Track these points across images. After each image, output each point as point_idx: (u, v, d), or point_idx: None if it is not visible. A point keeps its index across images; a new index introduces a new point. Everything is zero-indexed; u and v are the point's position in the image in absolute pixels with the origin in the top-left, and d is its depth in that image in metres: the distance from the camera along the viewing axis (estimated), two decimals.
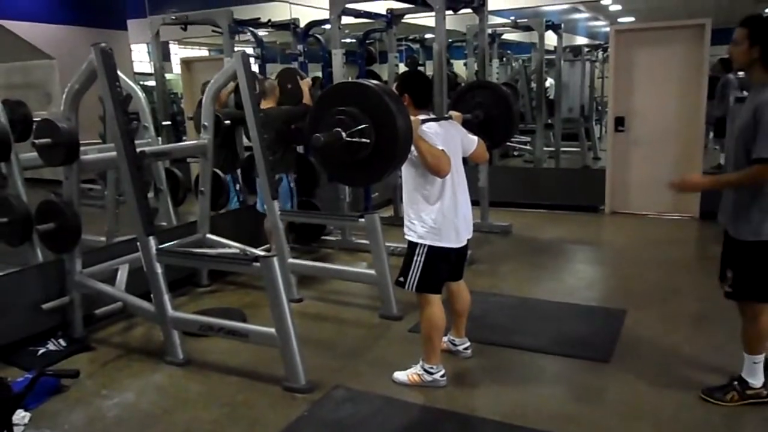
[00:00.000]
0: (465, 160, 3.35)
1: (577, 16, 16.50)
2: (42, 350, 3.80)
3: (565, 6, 10.97)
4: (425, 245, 3.13)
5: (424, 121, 3.05)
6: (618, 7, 15.33)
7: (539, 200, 7.39)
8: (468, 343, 3.62)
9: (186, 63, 8.97)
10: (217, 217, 5.19)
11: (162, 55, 7.07)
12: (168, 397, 3.31)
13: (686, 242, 6.02)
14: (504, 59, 10.70)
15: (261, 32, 7.16)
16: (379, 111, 2.53)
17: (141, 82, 7.38)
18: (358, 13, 5.94)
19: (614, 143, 7.01)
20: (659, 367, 3.42)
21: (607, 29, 8.82)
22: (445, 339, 3.60)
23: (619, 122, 6.91)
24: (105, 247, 4.81)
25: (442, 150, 3.00)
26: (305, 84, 5.44)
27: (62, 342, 3.90)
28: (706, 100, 6.49)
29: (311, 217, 5.41)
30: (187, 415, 3.12)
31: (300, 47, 6.39)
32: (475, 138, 3.37)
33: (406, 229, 3.19)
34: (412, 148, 2.86)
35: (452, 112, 3.48)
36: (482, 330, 3.94)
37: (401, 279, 3.22)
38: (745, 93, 6.29)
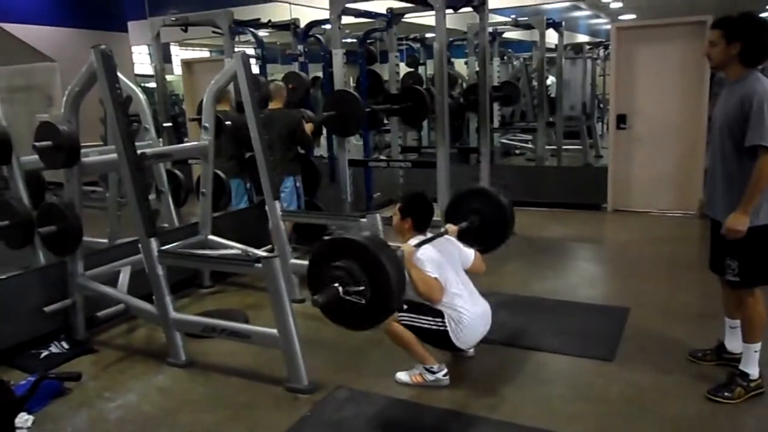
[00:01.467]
0: None
1: (577, 13, 16.51)
2: (44, 353, 3.80)
3: (566, 4, 10.98)
4: (445, 327, 3.20)
5: (419, 245, 3.16)
6: (619, 5, 15.32)
7: (541, 198, 7.38)
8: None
9: (187, 64, 8.98)
10: (219, 218, 5.18)
11: (163, 57, 7.07)
12: (171, 399, 3.31)
13: (689, 240, 6.00)
14: (505, 58, 10.69)
15: (261, 33, 7.16)
16: (374, 268, 2.63)
17: (142, 84, 7.39)
18: (358, 13, 5.93)
19: (616, 141, 7.00)
20: (663, 364, 3.41)
21: (608, 27, 8.82)
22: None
23: (621, 120, 6.90)
24: (107, 250, 4.81)
25: (436, 278, 3.12)
26: (309, 127, 5.47)
27: (65, 344, 3.90)
28: (707, 96, 6.47)
29: (313, 217, 5.40)
30: (190, 417, 3.12)
31: (300, 47, 6.39)
32: (471, 251, 3.49)
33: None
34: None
35: (448, 226, 3.58)
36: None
37: (405, 307, 3.23)
38: None
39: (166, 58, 9.83)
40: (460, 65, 10.05)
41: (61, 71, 6.83)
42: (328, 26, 5.73)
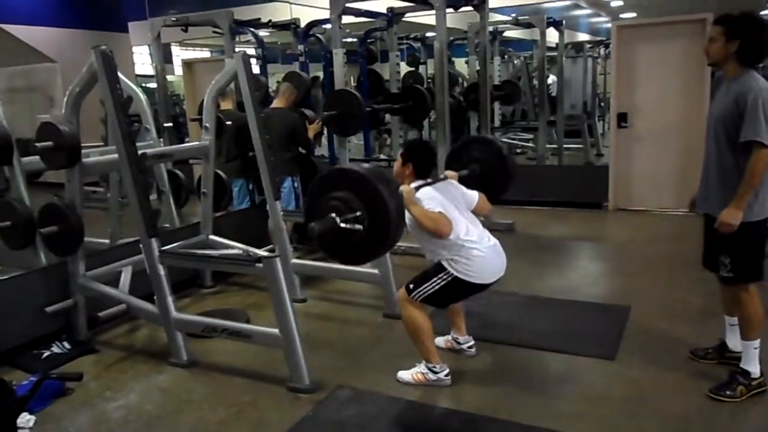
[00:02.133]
0: None
1: (578, 12, 16.51)
2: (46, 353, 3.80)
3: (567, 2, 10.98)
4: (452, 274, 3.14)
5: (417, 188, 3.15)
6: (619, 3, 15.32)
7: (542, 197, 7.38)
8: (472, 341, 3.61)
9: (187, 64, 8.99)
10: (220, 218, 5.19)
11: (163, 57, 7.07)
12: (172, 399, 3.32)
13: (690, 238, 5.94)
14: (505, 57, 10.70)
15: (262, 33, 7.17)
16: (372, 196, 2.63)
17: (142, 84, 7.40)
18: (358, 13, 5.94)
19: (617, 139, 6.99)
20: (665, 363, 3.41)
21: (609, 25, 8.81)
22: (448, 338, 3.62)
23: (622, 118, 6.89)
24: (108, 250, 4.82)
25: (440, 212, 3.07)
26: (313, 129, 5.46)
27: (66, 345, 3.90)
28: (709, 95, 6.46)
29: None
30: (192, 417, 3.12)
31: (301, 47, 6.40)
32: (475, 192, 3.45)
33: (439, 256, 3.18)
34: (409, 215, 3.00)
35: (447, 172, 3.57)
36: (486, 328, 3.93)
37: (411, 286, 3.21)
38: None
39: (167, 58, 9.82)
40: (460, 64, 10.05)
41: (61, 72, 6.85)
42: (328, 26, 5.74)
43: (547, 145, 8.83)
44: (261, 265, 3.32)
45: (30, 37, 7.55)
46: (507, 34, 10.26)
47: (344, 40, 5.61)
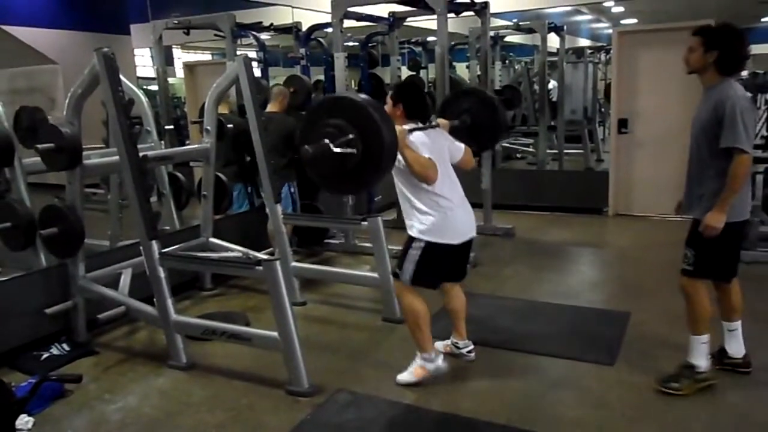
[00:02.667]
0: None
1: (579, 18, 16.53)
2: (45, 355, 3.80)
3: (568, 8, 10.99)
4: (423, 240, 3.19)
5: (410, 131, 3.14)
6: (620, 9, 15.32)
7: (542, 202, 7.38)
8: (471, 346, 3.61)
9: (189, 67, 8.99)
10: (221, 220, 5.19)
11: (165, 60, 7.08)
12: (171, 402, 3.31)
13: None
14: (506, 62, 10.71)
15: (263, 36, 7.16)
16: (365, 122, 2.65)
17: (144, 87, 7.40)
18: (360, 17, 5.95)
19: (617, 145, 7.00)
20: (664, 369, 3.39)
21: (610, 31, 8.82)
22: (447, 342, 3.63)
23: (623, 124, 6.90)
24: (108, 252, 4.82)
25: (429, 158, 3.08)
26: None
27: (65, 346, 3.90)
28: None
29: (314, 220, 5.40)
30: (190, 419, 3.12)
31: (302, 51, 6.41)
32: (462, 145, 3.46)
33: (408, 228, 3.26)
34: (399, 156, 2.98)
35: (439, 120, 3.55)
36: (485, 333, 3.93)
37: (397, 270, 3.29)
38: (749, 94, 6.31)
39: (168, 60, 9.81)
40: (461, 69, 10.05)
41: (63, 74, 6.85)
42: (329, 30, 5.74)
43: (548, 150, 8.84)
44: (261, 268, 3.32)
45: (32, 39, 7.54)
46: (508, 39, 10.28)
47: (345, 43, 5.62)
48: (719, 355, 3.35)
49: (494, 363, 3.57)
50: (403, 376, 3.34)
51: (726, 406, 3.03)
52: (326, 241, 5.93)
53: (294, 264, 4.64)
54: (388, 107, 3.31)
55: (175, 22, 6.33)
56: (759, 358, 3.49)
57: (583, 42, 17.06)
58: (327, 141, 2.64)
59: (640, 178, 6.91)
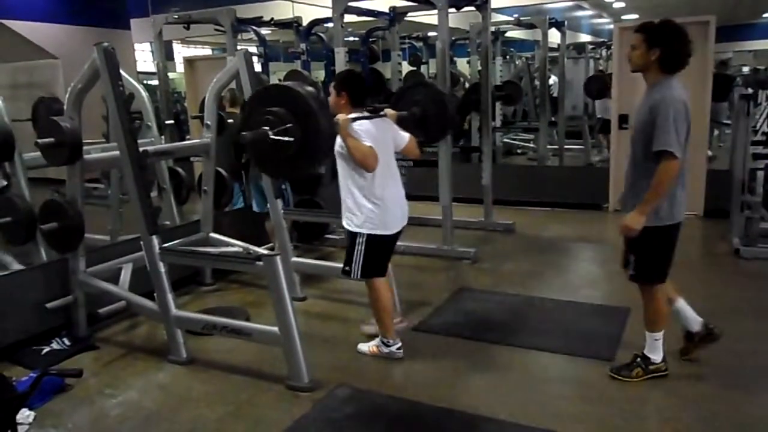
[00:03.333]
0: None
1: (580, 13, 16.48)
2: (46, 349, 3.81)
3: (569, 3, 10.96)
4: (364, 234, 3.42)
5: (355, 119, 3.30)
6: (621, 5, 15.29)
7: (542, 198, 7.38)
8: (398, 318, 3.86)
9: (189, 62, 8.98)
10: (221, 216, 5.19)
11: (165, 54, 7.07)
12: (172, 396, 3.32)
13: (690, 240, 5.99)
14: (507, 57, 10.69)
15: (264, 31, 7.16)
16: (303, 112, 2.81)
17: (144, 81, 7.40)
18: (360, 12, 5.93)
19: (618, 141, 6.98)
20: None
21: (611, 26, 8.79)
22: (374, 344, 3.71)
23: (623, 120, 6.89)
24: (108, 246, 4.82)
25: (370, 146, 3.26)
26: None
27: (66, 341, 3.91)
28: (710, 97, 6.46)
29: (314, 215, 5.40)
30: (190, 414, 3.12)
31: (303, 46, 6.40)
32: (407, 135, 3.63)
33: (344, 220, 3.48)
34: (342, 143, 3.24)
35: (387, 110, 3.66)
36: (486, 329, 3.94)
37: (347, 268, 3.50)
38: (750, 90, 6.31)
39: (169, 55, 9.80)
40: (462, 64, 10.05)
41: (63, 68, 6.85)
42: (330, 24, 5.73)
43: (548, 146, 8.83)
44: (261, 263, 3.32)
45: (32, 34, 7.55)
46: (509, 34, 10.26)
47: (346, 39, 5.60)
48: (689, 338, 3.40)
49: (494, 358, 3.58)
50: (362, 347, 3.68)
51: (725, 404, 3.03)
52: (326, 236, 5.93)
53: (294, 259, 4.64)
54: (332, 98, 3.47)
55: (176, 16, 6.31)
56: (762, 355, 3.50)
57: (584, 37, 17.02)
58: (266, 128, 2.80)
59: None
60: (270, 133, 2.80)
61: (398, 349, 3.58)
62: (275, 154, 2.88)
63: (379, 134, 3.38)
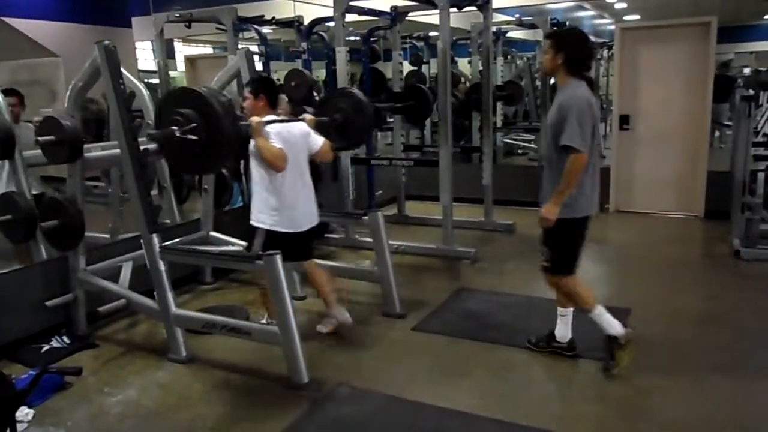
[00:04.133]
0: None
1: (582, 13, 16.43)
2: (46, 347, 3.81)
3: (570, 4, 10.92)
4: (263, 230, 3.62)
5: (268, 122, 3.51)
6: (623, 5, 15.25)
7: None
8: (346, 313, 3.95)
9: (190, 60, 8.99)
10: (221, 214, 5.19)
11: (166, 53, 7.05)
12: (171, 395, 3.32)
13: (691, 241, 6.00)
14: (508, 57, 10.67)
15: (265, 30, 7.14)
16: (208, 114, 3.03)
17: (145, 80, 7.38)
18: (362, 11, 5.92)
19: (619, 142, 6.99)
20: (663, 366, 3.41)
21: (612, 27, 8.77)
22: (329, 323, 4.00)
23: (624, 121, 6.89)
24: (109, 245, 4.82)
25: (280, 148, 3.48)
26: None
27: (66, 339, 3.91)
28: (711, 98, 6.46)
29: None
30: (190, 413, 3.12)
31: (304, 45, 6.38)
32: (321, 139, 3.82)
33: (252, 215, 3.67)
34: (253, 145, 3.46)
35: (305, 115, 3.93)
36: (486, 329, 3.93)
37: (258, 261, 3.61)
38: (751, 92, 6.30)
39: (170, 54, 9.79)
40: (463, 64, 10.03)
41: (64, 66, 6.83)
42: (331, 24, 5.72)
43: None
44: (261, 262, 3.32)
45: (33, 31, 7.53)
46: (510, 34, 10.23)
47: (347, 38, 5.60)
48: (548, 338, 3.59)
49: (494, 359, 3.58)
50: (321, 328, 3.97)
51: (726, 404, 3.03)
52: (326, 235, 5.93)
53: None
54: (249, 102, 3.64)
55: (177, 15, 6.30)
56: (762, 355, 3.51)
57: None
58: (174, 128, 3.01)
59: (642, 175, 6.90)
60: (177, 132, 3.01)
61: (341, 315, 3.88)
62: (182, 151, 3.11)
63: (291, 138, 3.60)
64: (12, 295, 3.84)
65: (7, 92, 4.74)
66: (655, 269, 5.09)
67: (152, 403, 3.25)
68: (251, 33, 7.01)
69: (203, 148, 3.07)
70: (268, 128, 3.50)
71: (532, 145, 9.77)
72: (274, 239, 3.60)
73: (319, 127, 3.89)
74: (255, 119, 3.45)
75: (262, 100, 3.61)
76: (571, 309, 3.50)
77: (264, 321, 3.89)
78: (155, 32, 6.50)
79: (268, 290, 3.58)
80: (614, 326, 3.30)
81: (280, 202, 3.59)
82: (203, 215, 4.85)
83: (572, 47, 3.18)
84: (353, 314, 4.42)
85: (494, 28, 7.41)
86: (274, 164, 3.49)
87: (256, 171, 3.60)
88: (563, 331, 3.53)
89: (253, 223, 3.66)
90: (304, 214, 3.74)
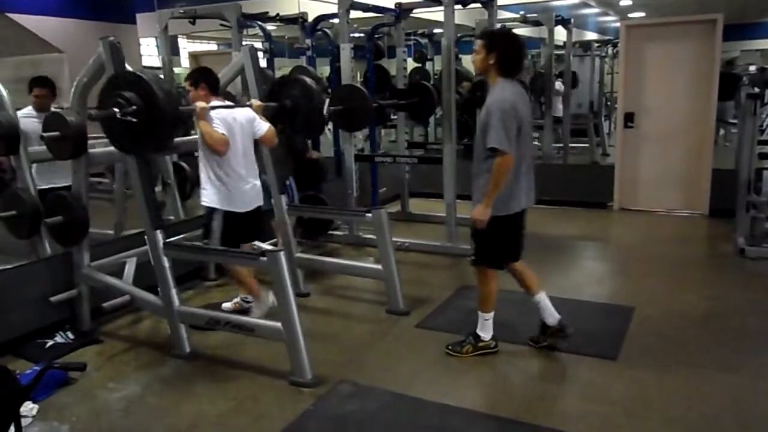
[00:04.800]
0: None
1: (586, 11, 16.40)
2: (50, 343, 3.82)
3: (575, 1, 10.90)
4: (220, 210, 3.87)
5: (214, 107, 3.72)
6: (628, 2, 15.21)
7: (547, 196, 7.30)
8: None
9: (194, 57, 9.00)
10: None
11: (170, 49, 7.07)
12: (174, 391, 3.33)
13: (695, 239, 5.98)
14: None
15: (269, 26, 7.14)
16: (148, 97, 3.15)
17: None
18: (366, 8, 5.91)
19: (623, 139, 6.97)
20: (667, 364, 3.40)
21: (617, 24, 8.77)
22: (236, 299, 4.23)
23: (629, 118, 6.86)
24: (113, 241, 4.83)
25: (222, 134, 3.70)
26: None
27: (70, 335, 3.92)
28: (716, 96, 6.43)
29: (318, 212, 5.40)
30: (193, 409, 3.13)
31: (308, 42, 6.37)
32: (266, 125, 4.05)
33: (201, 196, 3.91)
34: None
35: (253, 101, 4.16)
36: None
37: (206, 241, 3.92)
38: (757, 90, 6.28)
39: (174, 50, 9.82)
40: (467, 61, 10.02)
41: (69, 62, 6.84)
42: (336, 20, 5.71)
43: (553, 144, 8.80)
44: (265, 258, 3.32)
45: (38, 27, 7.54)
46: (515, 31, 10.20)
47: (351, 35, 5.59)
48: (542, 330, 3.62)
49: (497, 356, 3.57)
50: (227, 305, 4.20)
51: (729, 403, 3.02)
52: (330, 232, 5.93)
53: (298, 255, 4.64)
54: (192, 93, 3.81)
55: (181, 11, 6.30)
56: (766, 354, 3.50)
57: (590, 35, 16.96)
58: (115, 109, 3.14)
59: (646, 173, 6.88)
60: (118, 113, 3.13)
61: (256, 306, 4.02)
62: (123, 132, 3.24)
63: (235, 123, 3.85)
64: (17, 291, 3.84)
65: (38, 81, 4.77)
66: (659, 267, 5.08)
67: (156, 398, 3.26)
68: (255, 30, 7.01)
69: (143, 130, 3.19)
70: (213, 114, 3.72)
71: (536, 143, 9.73)
72: (230, 220, 3.89)
73: (266, 113, 4.15)
74: (200, 104, 3.67)
75: (203, 89, 3.80)
76: (543, 293, 3.59)
77: (238, 300, 4.21)
78: (159, 28, 6.51)
79: (235, 271, 4.04)
80: (488, 332, 3.54)
81: (227, 182, 3.84)
82: None
83: (504, 48, 3.22)
84: (357, 311, 4.44)
85: (499, 25, 7.37)
86: (215, 148, 3.71)
87: (203, 153, 3.83)
88: (549, 313, 3.58)
89: (205, 203, 3.89)
90: (251, 195, 4.00)
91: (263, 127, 4.04)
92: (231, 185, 3.86)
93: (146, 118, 3.17)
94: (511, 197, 3.29)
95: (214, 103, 3.80)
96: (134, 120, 3.15)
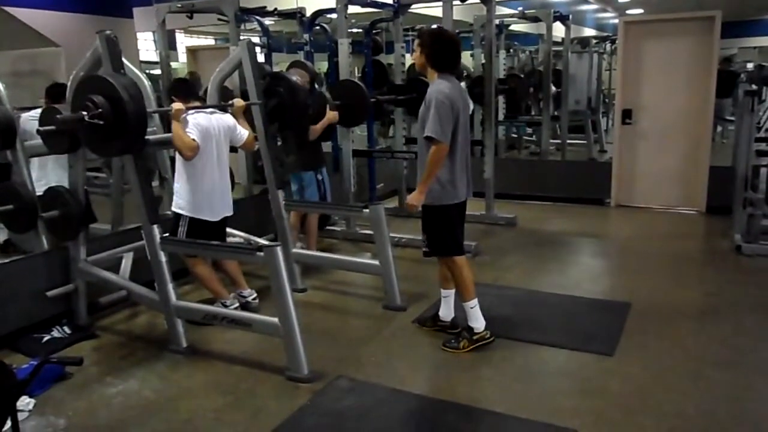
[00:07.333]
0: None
1: (585, 7, 16.42)
2: (46, 337, 3.81)
3: None
4: (186, 216, 3.88)
5: (190, 108, 3.78)
6: None
7: (545, 192, 7.37)
8: (255, 294, 4.26)
9: (192, 51, 8.96)
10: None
11: (168, 44, 7.03)
12: (171, 386, 3.33)
13: (692, 236, 5.99)
14: (511, 50, 10.65)
15: (267, 21, 7.13)
16: (116, 100, 3.17)
17: (146, 71, 7.37)
18: (364, 3, 5.90)
19: (621, 136, 6.97)
20: (663, 360, 3.41)
21: (616, 21, 8.76)
22: (231, 296, 4.19)
23: (627, 115, 6.87)
24: (110, 235, 4.82)
25: (193, 139, 3.69)
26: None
27: (67, 329, 3.91)
28: (714, 93, 6.44)
29: (316, 207, 5.39)
30: (189, 404, 3.13)
31: (306, 36, 6.36)
32: (246, 132, 4.10)
33: (174, 201, 3.93)
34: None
35: (236, 100, 4.16)
36: (486, 322, 3.92)
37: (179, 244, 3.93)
38: (754, 87, 6.29)
39: (171, 45, 9.79)
40: (466, 57, 10.00)
41: (66, 56, 6.82)
42: (334, 15, 5.70)
43: (551, 140, 8.81)
44: (262, 254, 3.32)
45: (34, 21, 7.51)
46: (513, 27, 10.21)
47: (350, 30, 5.58)
48: (433, 319, 3.83)
49: (494, 352, 3.58)
50: (227, 304, 4.12)
51: (726, 399, 3.03)
52: (328, 227, 5.93)
53: (295, 250, 4.64)
54: (175, 105, 3.74)
55: (179, 5, 6.27)
56: (763, 350, 3.51)
57: (589, 31, 16.98)
58: (83, 112, 3.16)
59: (643, 170, 6.89)
60: (85, 116, 3.14)
61: (235, 308, 4.03)
62: (91, 134, 3.26)
63: (211, 129, 3.85)
64: (13, 285, 3.84)
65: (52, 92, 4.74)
66: (655, 264, 5.09)
67: (153, 393, 3.25)
68: (253, 24, 6.99)
69: (110, 133, 3.21)
70: (191, 119, 3.74)
71: (534, 139, 9.75)
72: (195, 227, 3.88)
73: (250, 111, 4.18)
74: (176, 105, 3.68)
75: (175, 100, 3.83)
76: (453, 291, 3.71)
77: (233, 296, 4.20)
78: (157, 23, 6.48)
79: (197, 275, 4.11)
80: (479, 321, 3.57)
81: (198, 190, 3.85)
82: None
83: (434, 46, 3.38)
84: (354, 307, 4.44)
85: (497, 21, 7.37)
86: (182, 152, 3.71)
87: (177, 158, 3.85)
88: (446, 311, 3.78)
89: (174, 209, 3.91)
90: (221, 204, 4.00)
91: (243, 134, 4.09)
92: (202, 193, 3.88)
93: (113, 120, 3.19)
94: (451, 187, 3.44)
95: (194, 103, 3.89)
96: (101, 122, 3.17)
